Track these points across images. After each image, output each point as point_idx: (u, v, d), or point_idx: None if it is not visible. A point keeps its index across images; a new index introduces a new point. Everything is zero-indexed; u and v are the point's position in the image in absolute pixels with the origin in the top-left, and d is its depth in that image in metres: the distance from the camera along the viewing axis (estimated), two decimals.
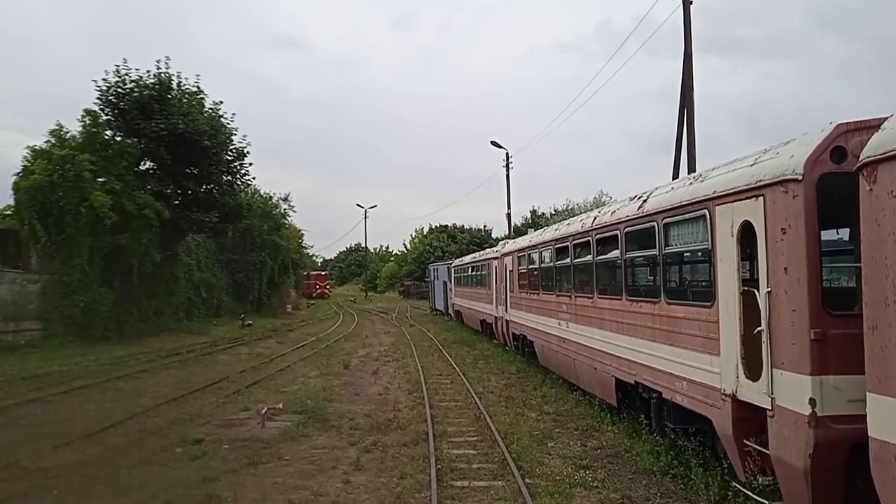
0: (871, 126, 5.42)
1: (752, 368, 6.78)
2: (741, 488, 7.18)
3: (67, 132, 28.83)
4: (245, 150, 34.15)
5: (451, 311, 42.18)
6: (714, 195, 7.62)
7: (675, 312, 8.86)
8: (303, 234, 64.31)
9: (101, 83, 29.46)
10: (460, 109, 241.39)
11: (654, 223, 9.42)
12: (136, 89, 29.82)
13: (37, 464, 9.95)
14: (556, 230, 16.08)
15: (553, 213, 65.70)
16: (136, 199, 28.08)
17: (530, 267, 18.81)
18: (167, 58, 31.26)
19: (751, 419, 6.96)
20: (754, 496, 6.81)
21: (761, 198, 6.56)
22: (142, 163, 30.82)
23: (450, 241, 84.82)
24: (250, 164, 34.77)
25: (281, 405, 13.74)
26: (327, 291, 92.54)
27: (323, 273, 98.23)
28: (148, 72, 30.35)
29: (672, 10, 21.53)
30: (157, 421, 13.00)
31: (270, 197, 52.05)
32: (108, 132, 29.86)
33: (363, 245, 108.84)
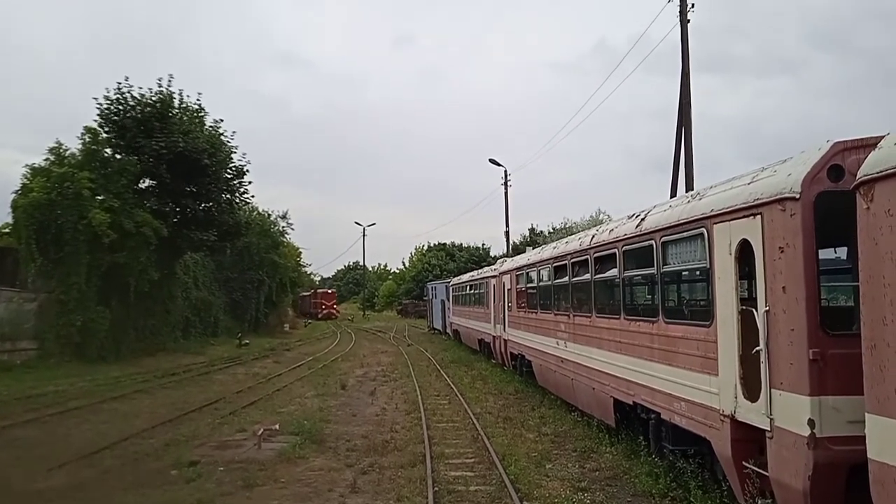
0: (868, 144, 5.43)
1: (751, 389, 6.74)
2: None
3: (67, 150, 28.86)
4: (244, 169, 34.30)
5: (449, 331, 42.07)
6: (712, 213, 7.62)
7: (673, 332, 8.82)
8: (301, 253, 64.36)
9: (101, 101, 29.65)
10: (459, 127, 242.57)
11: (653, 241, 9.41)
12: (137, 107, 29.95)
13: (30, 486, 9.81)
14: (554, 248, 16.07)
15: (551, 231, 65.78)
16: (134, 217, 28.06)
17: (528, 285, 18.78)
18: (170, 76, 31.50)
19: (750, 440, 6.90)
20: None
21: (759, 216, 6.56)
22: (141, 181, 30.85)
23: (448, 260, 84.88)
24: (249, 183, 34.92)
25: (277, 426, 13.62)
26: (335, 312, 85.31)
27: (330, 291, 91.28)
28: (150, 90, 30.57)
29: (668, 29, 21.73)
30: (152, 442, 12.87)
31: (269, 215, 52.12)
32: (108, 150, 29.94)
33: (361, 263, 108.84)
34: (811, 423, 5.70)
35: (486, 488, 9.43)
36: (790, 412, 6.01)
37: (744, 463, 6.96)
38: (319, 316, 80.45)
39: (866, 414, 4.79)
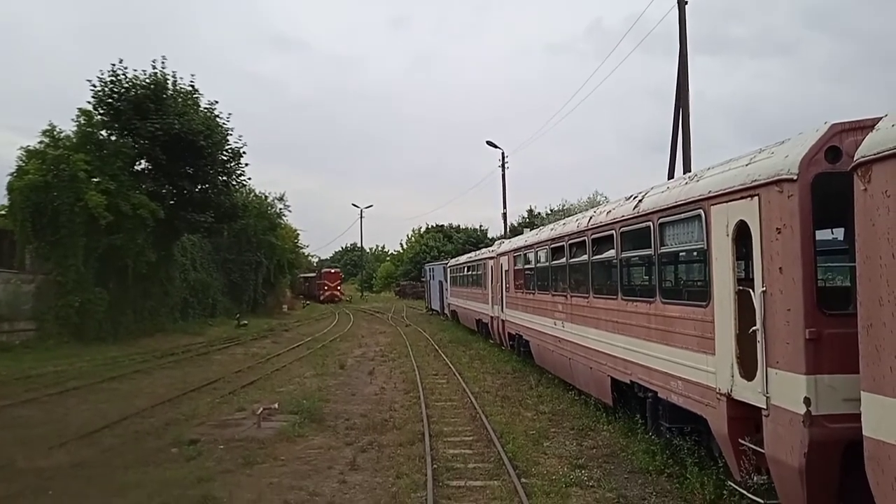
0: (866, 126, 5.44)
1: (748, 368, 6.80)
2: (736, 487, 7.19)
3: (62, 132, 28.79)
4: (241, 151, 34.15)
5: (447, 311, 42.18)
6: (709, 195, 7.64)
7: (670, 312, 8.87)
8: (298, 234, 64.24)
9: (96, 83, 29.43)
10: (456, 109, 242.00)
11: (650, 223, 9.44)
12: (131, 89, 29.74)
13: (32, 465, 9.90)
14: (551, 230, 16.10)
15: (549, 212, 65.76)
16: (130, 199, 28.04)
17: (526, 267, 18.82)
18: (163, 57, 31.29)
19: (746, 418, 6.98)
20: (749, 495, 6.82)
21: (756, 197, 6.58)
22: (137, 163, 30.78)
23: (446, 241, 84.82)
24: (246, 165, 34.80)
25: (276, 405, 13.72)
26: (338, 294, 76.65)
27: (333, 271, 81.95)
28: (144, 71, 30.35)
29: (665, 10, 21.60)
30: (152, 421, 12.97)
31: (266, 197, 52.00)
32: (103, 132, 29.81)
33: (359, 245, 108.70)
34: (807, 401, 5.76)
35: (485, 465, 9.54)
36: (786, 390, 6.07)
37: (740, 440, 7.05)
38: (321, 298, 74.26)
39: (862, 392, 4.85)
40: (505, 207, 45.94)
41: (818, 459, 5.79)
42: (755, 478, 6.85)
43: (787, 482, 6.21)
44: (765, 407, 6.45)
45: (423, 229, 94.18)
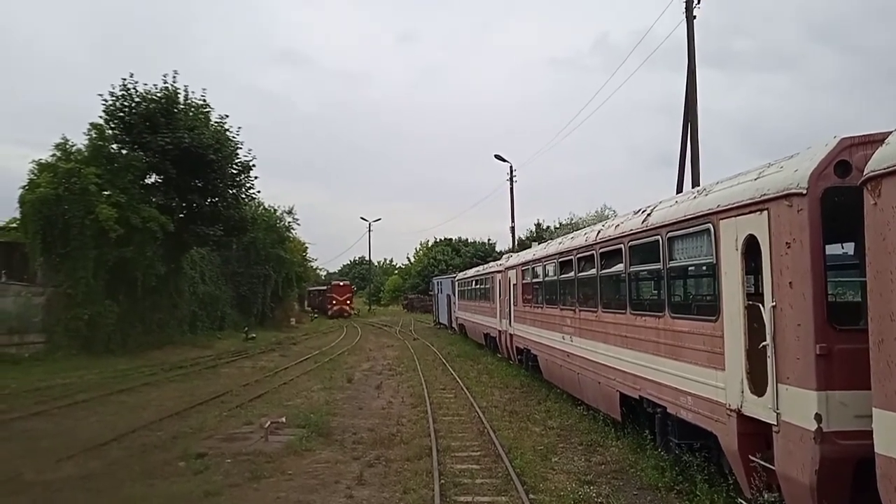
0: (875, 140, 5.43)
1: (758, 383, 6.75)
2: None
3: (73, 146, 29.06)
4: (250, 164, 34.37)
5: (454, 325, 42.10)
6: (718, 209, 7.62)
7: (679, 326, 8.83)
8: (307, 248, 64.35)
9: (107, 97, 29.76)
10: (465, 123, 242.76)
11: (659, 237, 9.42)
12: (142, 103, 30.03)
13: (39, 477, 9.90)
14: (559, 244, 16.08)
15: (557, 226, 65.65)
16: (141, 212, 28.22)
17: (534, 280, 18.79)
18: (175, 72, 31.49)
19: (756, 434, 6.92)
20: None
21: (766, 212, 6.56)
22: (147, 176, 30.99)
23: (454, 255, 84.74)
24: (255, 178, 35.00)
25: (284, 419, 13.71)
26: (347, 309, 71.99)
27: (342, 284, 76.76)
28: (155, 86, 30.66)
29: (673, 24, 21.66)
30: (159, 434, 12.96)
31: (275, 210, 52.19)
32: (114, 146, 30.06)
33: (367, 258, 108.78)
34: (818, 417, 5.71)
35: (492, 481, 9.47)
36: (797, 407, 6.02)
37: (750, 457, 6.98)
38: (329, 313, 71.20)
39: (874, 409, 4.80)
40: (513, 221, 46.05)
41: (829, 476, 5.73)
42: (766, 495, 6.78)
43: (797, 500, 6.15)
44: (775, 423, 6.39)
45: (430, 243, 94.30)
